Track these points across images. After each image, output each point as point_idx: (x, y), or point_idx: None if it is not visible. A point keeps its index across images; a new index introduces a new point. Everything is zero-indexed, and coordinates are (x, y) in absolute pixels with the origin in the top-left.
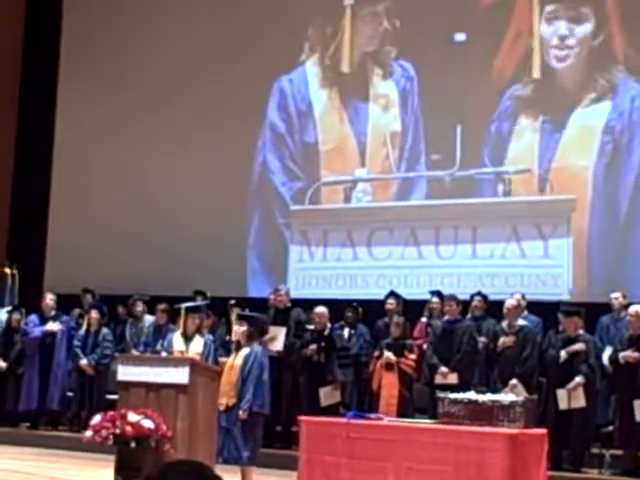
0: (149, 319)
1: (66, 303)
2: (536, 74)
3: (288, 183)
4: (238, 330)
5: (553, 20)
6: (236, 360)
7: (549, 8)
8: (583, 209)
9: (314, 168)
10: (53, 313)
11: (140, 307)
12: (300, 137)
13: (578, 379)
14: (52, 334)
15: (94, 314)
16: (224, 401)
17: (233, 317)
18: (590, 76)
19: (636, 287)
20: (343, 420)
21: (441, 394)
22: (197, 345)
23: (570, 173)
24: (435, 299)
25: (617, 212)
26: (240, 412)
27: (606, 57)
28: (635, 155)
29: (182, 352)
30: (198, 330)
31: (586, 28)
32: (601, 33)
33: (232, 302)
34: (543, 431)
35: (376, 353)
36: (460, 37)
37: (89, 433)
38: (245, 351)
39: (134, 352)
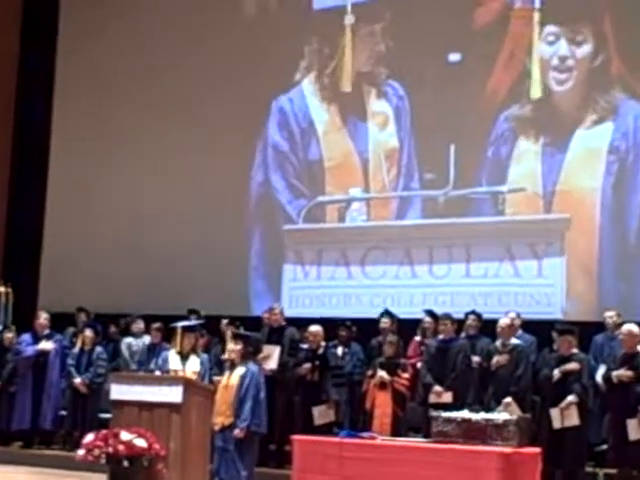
0: (146, 338)
1: (60, 322)
2: (535, 95)
3: (294, 201)
4: (233, 349)
5: (553, 41)
6: (231, 379)
7: (548, 29)
8: (592, 231)
9: (319, 185)
10: (47, 332)
11: (140, 325)
12: (304, 155)
13: (571, 398)
14: (45, 353)
15: (88, 333)
16: (220, 420)
17: (227, 336)
18: (590, 97)
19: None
20: (336, 439)
21: (435, 413)
22: (194, 364)
23: (576, 195)
24: (427, 318)
25: (625, 233)
26: (237, 431)
27: (605, 78)
28: None
29: (178, 371)
30: (193, 349)
31: (586, 49)
32: (600, 54)
33: (225, 321)
34: (537, 450)
35: (369, 372)
36: (454, 57)
37: (82, 452)
38: (241, 370)
39: (133, 367)
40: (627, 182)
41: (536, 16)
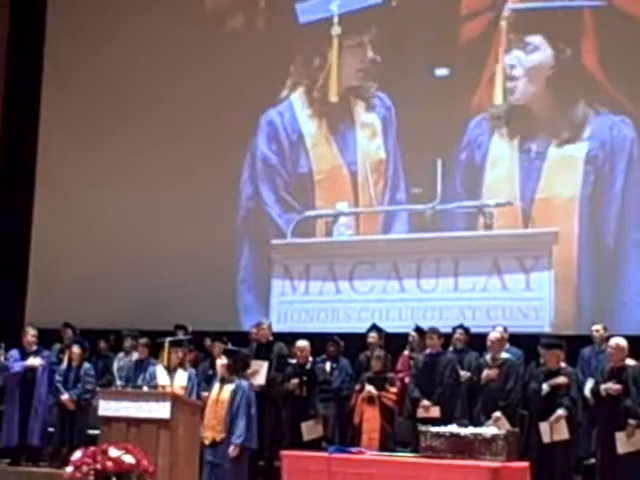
0: (135, 354)
1: (47, 338)
2: (497, 102)
3: (284, 215)
4: (222, 364)
5: (532, 51)
6: (222, 395)
7: (522, 37)
8: (570, 240)
9: (309, 198)
10: (34, 348)
11: (129, 343)
12: (293, 168)
13: (560, 411)
14: (33, 369)
15: (76, 349)
16: (210, 435)
17: (215, 351)
18: (565, 107)
19: (620, 319)
20: (325, 454)
21: (423, 427)
22: (181, 379)
23: (554, 204)
24: (413, 333)
25: (603, 243)
26: (232, 448)
27: (581, 88)
28: (618, 183)
29: (166, 387)
30: (181, 364)
31: (556, 58)
32: (575, 64)
33: (209, 339)
34: (525, 464)
35: (357, 387)
36: (442, 71)
37: (70, 469)
38: (231, 386)
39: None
40: (604, 191)
41: (504, 24)
